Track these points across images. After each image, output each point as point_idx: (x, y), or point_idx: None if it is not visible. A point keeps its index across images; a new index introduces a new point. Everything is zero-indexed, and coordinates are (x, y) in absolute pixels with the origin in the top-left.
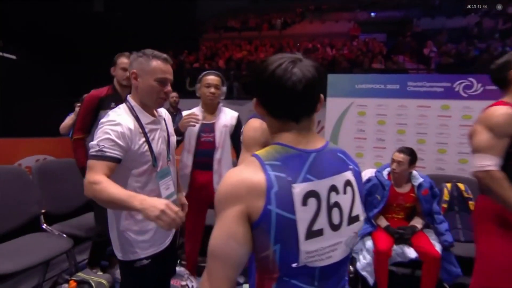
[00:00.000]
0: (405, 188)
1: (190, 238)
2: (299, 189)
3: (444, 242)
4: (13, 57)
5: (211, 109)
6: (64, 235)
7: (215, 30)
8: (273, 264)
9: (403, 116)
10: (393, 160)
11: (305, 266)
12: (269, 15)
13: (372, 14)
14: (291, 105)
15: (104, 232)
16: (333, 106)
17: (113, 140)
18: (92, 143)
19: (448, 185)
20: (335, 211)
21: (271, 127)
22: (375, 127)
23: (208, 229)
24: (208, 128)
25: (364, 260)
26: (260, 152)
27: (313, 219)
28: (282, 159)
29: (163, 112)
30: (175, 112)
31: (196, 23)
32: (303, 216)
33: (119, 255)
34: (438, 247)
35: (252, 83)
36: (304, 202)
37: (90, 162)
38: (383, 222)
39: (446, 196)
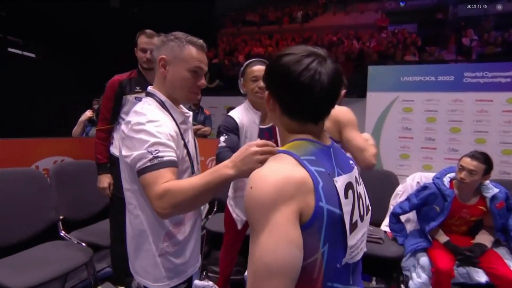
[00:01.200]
0: (472, 200)
1: (229, 249)
2: (340, 182)
3: None
4: (33, 55)
5: (263, 108)
6: (83, 244)
7: (233, 24)
8: (319, 270)
9: (458, 112)
10: (461, 168)
11: (346, 264)
12: (289, 7)
13: (401, 3)
14: (314, 111)
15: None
16: (375, 101)
17: (164, 144)
18: (138, 153)
19: None
20: (361, 202)
21: (288, 126)
22: (424, 125)
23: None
24: (268, 133)
25: (418, 279)
26: (289, 148)
27: (352, 212)
28: (314, 154)
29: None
30: (196, 110)
31: (214, 18)
32: (347, 209)
33: (153, 286)
34: None
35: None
36: (346, 195)
37: (147, 177)
38: (442, 237)
39: None
